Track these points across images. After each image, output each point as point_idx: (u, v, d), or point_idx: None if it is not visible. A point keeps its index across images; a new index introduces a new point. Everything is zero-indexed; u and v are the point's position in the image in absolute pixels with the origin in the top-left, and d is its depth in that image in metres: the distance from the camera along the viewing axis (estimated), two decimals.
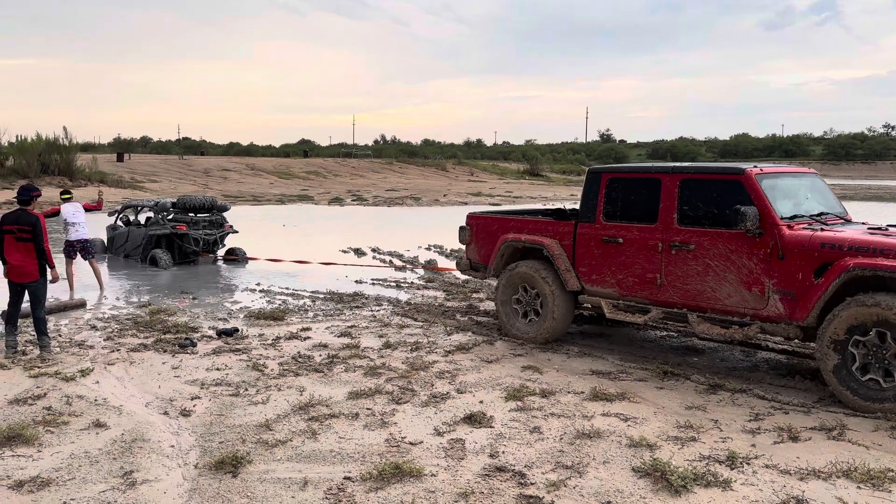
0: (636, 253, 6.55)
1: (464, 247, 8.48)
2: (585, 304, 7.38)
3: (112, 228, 14.80)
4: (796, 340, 5.94)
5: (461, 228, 8.39)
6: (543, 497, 3.92)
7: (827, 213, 6.31)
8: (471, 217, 8.35)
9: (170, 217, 13.51)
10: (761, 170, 6.12)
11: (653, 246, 6.42)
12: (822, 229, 5.80)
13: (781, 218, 5.81)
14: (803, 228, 5.80)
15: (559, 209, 8.50)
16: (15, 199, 7.19)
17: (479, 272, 8.23)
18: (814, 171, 6.90)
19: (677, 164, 6.74)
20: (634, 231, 6.59)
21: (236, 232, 14.13)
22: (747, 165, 6.15)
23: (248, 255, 14.03)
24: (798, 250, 5.64)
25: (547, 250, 7.19)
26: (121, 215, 15.13)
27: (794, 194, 6.32)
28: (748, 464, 4.37)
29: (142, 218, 15.16)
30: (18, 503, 3.86)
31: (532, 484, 4.09)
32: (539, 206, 29.96)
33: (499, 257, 7.74)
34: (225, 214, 14.27)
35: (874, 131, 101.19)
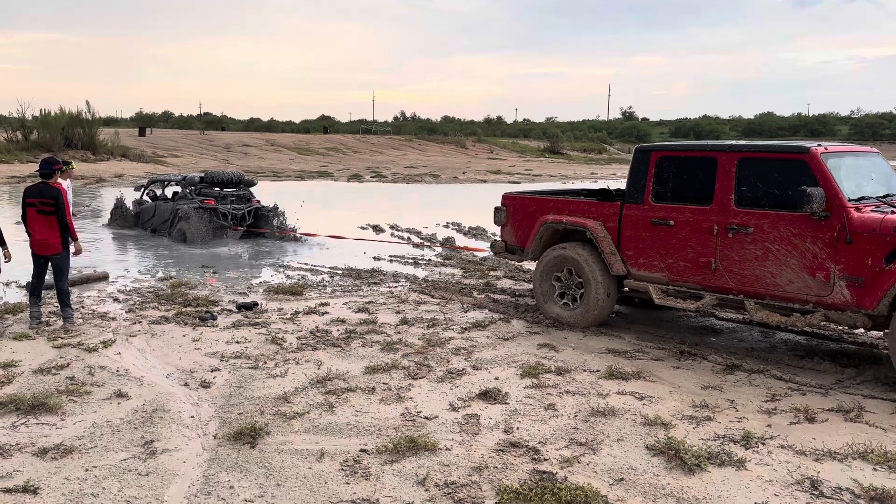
0: (689, 236, 6.28)
1: (498, 228, 8.15)
2: (627, 289, 7.03)
3: (138, 203, 14.85)
4: (863, 329, 5.64)
5: (496, 209, 8.01)
6: (557, 473, 3.95)
7: (893, 195, 5.97)
8: (507, 197, 8.03)
9: (197, 192, 13.52)
10: (826, 148, 5.81)
11: (707, 228, 6.15)
12: (893, 212, 5.48)
13: (849, 200, 5.53)
14: (872, 211, 5.51)
15: (603, 189, 8.12)
16: (37, 172, 7.27)
17: (515, 255, 7.91)
18: (876, 151, 6.59)
19: (735, 142, 6.42)
20: (687, 213, 6.31)
21: (262, 207, 14.06)
22: (811, 144, 5.87)
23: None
24: (868, 234, 5.35)
25: (590, 232, 6.92)
26: (147, 190, 15.17)
27: (858, 175, 6.00)
28: (763, 444, 4.37)
29: (168, 192, 15.21)
30: (43, 470, 3.96)
31: (546, 460, 4.12)
32: (559, 184, 29.81)
33: (537, 240, 7.45)
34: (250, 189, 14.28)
35: None
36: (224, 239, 13.23)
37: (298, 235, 13.57)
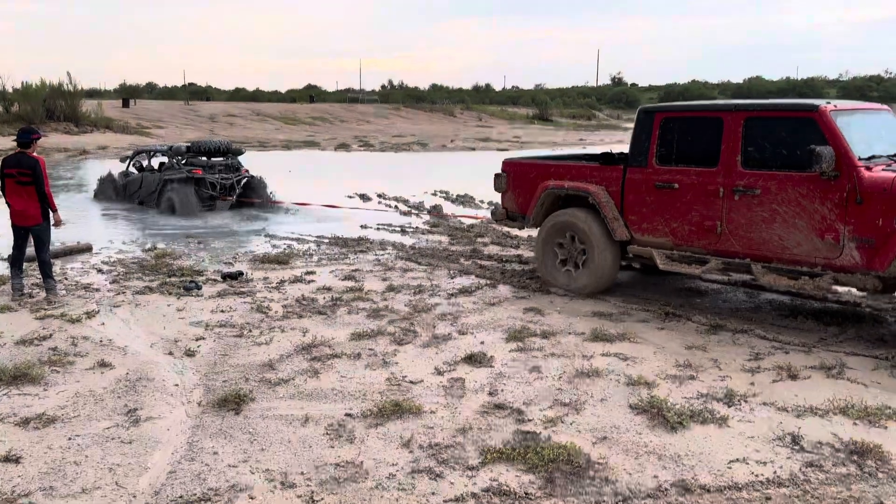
0: (694, 199, 6.11)
1: (499, 195, 7.94)
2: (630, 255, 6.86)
3: (124, 175, 14.52)
4: (875, 292, 5.46)
5: (496, 175, 7.81)
6: (540, 433, 3.97)
7: None
8: (507, 163, 7.83)
9: (184, 162, 13.25)
10: (835, 106, 5.61)
11: (713, 191, 5.99)
12: None
13: (859, 159, 5.34)
14: (883, 170, 5.33)
15: (606, 153, 7.80)
16: (15, 142, 7.15)
17: (516, 222, 7.76)
18: (887, 108, 6.40)
19: (741, 101, 6.20)
20: (692, 175, 6.13)
21: (252, 177, 13.83)
22: (820, 102, 5.66)
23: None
24: (879, 194, 5.18)
25: (592, 198, 6.75)
26: (133, 161, 14.84)
27: (868, 133, 5.82)
28: (746, 401, 4.40)
29: (155, 163, 14.87)
30: (25, 439, 3.95)
31: (530, 420, 4.14)
32: (548, 151, 29.68)
33: (539, 206, 7.27)
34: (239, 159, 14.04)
35: (891, 73, 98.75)
36: (213, 210, 13.07)
37: (290, 205, 13.42)
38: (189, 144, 13.77)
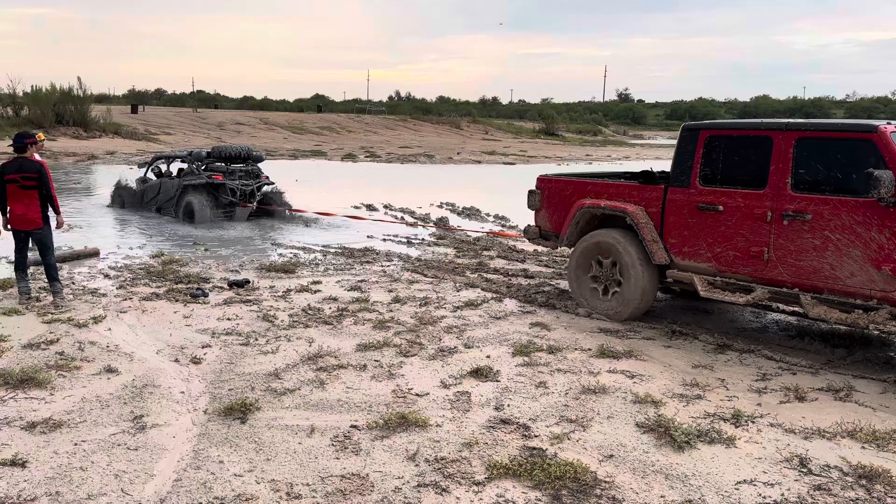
0: (739, 223, 5.80)
1: (532, 212, 7.73)
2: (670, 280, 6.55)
3: (142, 181, 14.38)
4: None
5: (530, 192, 7.58)
6: (547, 449, 3.96)
7: None
8: (542, 180, 7.60)
9: (204, 167, 13.07)
10: None
11: (760, 215, 5.67)
12: None
13: None
14: None
15: (646, 171, 7.53)
16: (11, 147, 7.20)
17: (549, 241, 7.50)
18: None
19: (793, 120, 5.90)
20: (738, 197, 5.81)
21: (272, 184, 13.67)
22: (879, 122, 5.31)
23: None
24: None
25: (631, 218, 6.47)
26: (151, 167, 14.69)
27: None
28: (753, 422, 4.38)
29: (174, 169, 14.69)
30: (31, 443, 3.94)
31: (536, 436, 4.13)
32: (553, 165, 29.72)
33: (573, 225, 7.04)
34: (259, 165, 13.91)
35: None
36: (232, 217, 12.84)
37: (312, 215, 13.31)
38: (209, 150, 13.55)
